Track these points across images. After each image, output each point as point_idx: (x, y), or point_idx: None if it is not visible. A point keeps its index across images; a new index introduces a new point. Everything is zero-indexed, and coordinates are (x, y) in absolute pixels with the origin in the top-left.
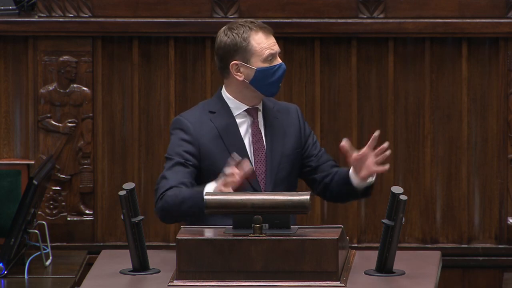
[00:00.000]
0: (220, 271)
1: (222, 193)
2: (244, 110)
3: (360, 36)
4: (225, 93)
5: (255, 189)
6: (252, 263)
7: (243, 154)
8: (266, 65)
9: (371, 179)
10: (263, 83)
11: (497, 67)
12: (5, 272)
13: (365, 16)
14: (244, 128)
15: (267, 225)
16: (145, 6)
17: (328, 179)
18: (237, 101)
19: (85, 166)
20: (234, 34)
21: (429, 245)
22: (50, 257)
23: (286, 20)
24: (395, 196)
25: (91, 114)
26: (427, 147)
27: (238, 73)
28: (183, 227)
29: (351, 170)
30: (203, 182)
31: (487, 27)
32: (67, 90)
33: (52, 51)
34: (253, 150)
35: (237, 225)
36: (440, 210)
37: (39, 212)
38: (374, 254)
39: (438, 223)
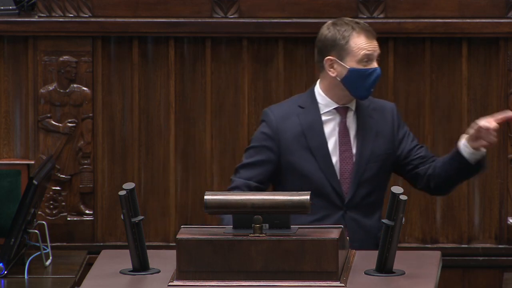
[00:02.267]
0: (220, 271)
1: (222, 192)
2: (333, 108)
3: None
4: (317, 89)
5: (335, 188)
6: (252, 263)
7: (325, 153)
8: (360, 66)
9: (483, 151)
10: (355, 84)
11: (497, 67)
12: (5, 272)
13: (365, 16)
14: (331, 127)
15: (267, 225)
16: (145, 6)
17: (431, 169)
18: (328, 98)
19: (85, 166)
20: (336, 30)
21: (429, 245)
22: (50, 257)
23: (286, 20)
24: (395, 196)
25: (91, 114)
26: None
27: (331, 69)
28: (183, 227)
29: (462, 142)
30: (282, 178)
31: (487, 27)
32: (67, 90)
33: (52, 51)
34: (339, 149)
35: (237, 225)
36: (440, 210)
37: (39, 212)
38: (374, 254)
39: (438, 223)
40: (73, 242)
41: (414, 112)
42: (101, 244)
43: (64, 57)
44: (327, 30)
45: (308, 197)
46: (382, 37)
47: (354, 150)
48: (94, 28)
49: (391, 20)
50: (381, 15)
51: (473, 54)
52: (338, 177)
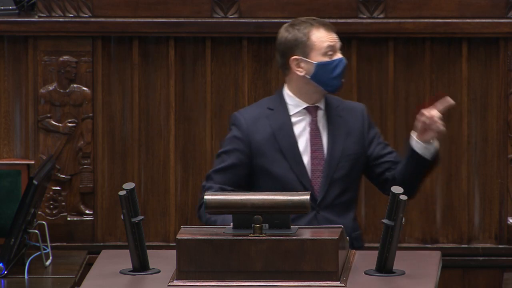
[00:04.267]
0: (220, 271)
1: (222, 192)
2: (304, 108)
3: (360, 36)
4: (286, 91)
5: (307, 189)
6: (252, 263)
7: (296, 153)
8: (326, 59)
9: (436, 144)
10: (324, 78)
11: (497, 67)
12: (5, 272)
13: (365, 16)
14: (301, 127)
15: (267, 225)
16: (145, 6)
17: (396, 175)
18: (297, 98)
19: (85, 166)
20: (296, 30)
21: (429, 245)
22: (50, 257)
23: (286, 20)
24: (395, 196)
25: (91, 114)
26: None
27: (299, 69)
28: (183, 227)
29: (414, 140)
30: (256, 180)
31: (487, 27)
32: (67, 90)
33: (52, 51)
34: (311, 149)
35: (237, 225)
36: (440, 210)
37: (39, 212)
38: (374, 254)
39: (438, 223)
40: (73, 242)
41: (414, 112)
42: (101, 244)
43: (64, 57)
44: (286, 32)
45: (308, 197)
46: (382, 37)
47: (325, 149)
48: (94, 28)
49: (391, 20)
50: (381, 15)
51: (473, 54)
52: (310, 177)
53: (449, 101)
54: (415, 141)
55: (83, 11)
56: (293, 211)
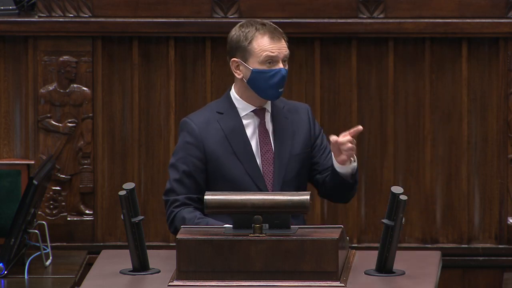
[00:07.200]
0: (220, 271)
1: (222, 192)
2: (251, 111)
3: (360, 36)
4: (233, 93)
5: (260, 189)
6: (252, 263)
7: (250, 156)
8: (263, 67)
9: (354, 164)
10: (260, 85)
11: (497, 67)
12: (5, 272)
13: (365, 16)
14: (251, 129)
15: (267, 225)
16: (145, 6)
17: (326, 180)
18: (244, 101)
19: (85, 166)
20: (241, 32)
21: (429, 245)
22: (50, 257)
23: (286, 20)
24: (395, 196)
25: (91, 114)
26: (427, 147)
27: (237, 71)
28: (183, 227)
29: (333, 158)
30: (210, 184)
31: (487, 27)
32: (67, 90)
33: (52, 51)
34: (261, 151)
35: (237, 225)
36: (440, 210)
37: (39, 212)
38: (374, 254)
39: (438, 223)
40: (73, 242)
41: (414, 112)
42: (101, 244)
43: (64, 57)
44: (234, 31)
45: (308, 197)
46: (382, 37)
47: (273, 152)
48: (94, 28)
49: (391, 20)
50: (381, 15)
51: (473, 54)
52: (264, 179)
53: (359, 129)
54: (335, 161)
55: (83, 11)
56: (293, 211)
